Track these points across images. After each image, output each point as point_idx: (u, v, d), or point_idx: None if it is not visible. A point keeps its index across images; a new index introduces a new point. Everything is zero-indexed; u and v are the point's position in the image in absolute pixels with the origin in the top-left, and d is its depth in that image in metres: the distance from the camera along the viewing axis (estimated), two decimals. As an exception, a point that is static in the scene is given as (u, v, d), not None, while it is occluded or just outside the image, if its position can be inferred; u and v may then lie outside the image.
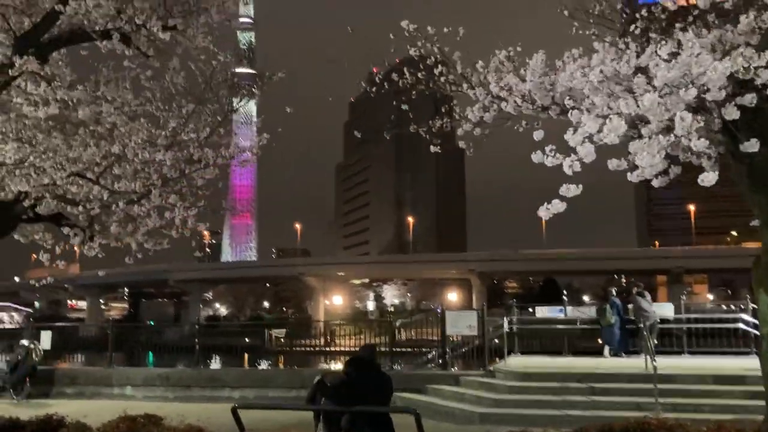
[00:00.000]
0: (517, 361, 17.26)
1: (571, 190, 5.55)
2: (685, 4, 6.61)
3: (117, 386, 18.46)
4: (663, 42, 5.24)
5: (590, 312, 19.62)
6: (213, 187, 12.20)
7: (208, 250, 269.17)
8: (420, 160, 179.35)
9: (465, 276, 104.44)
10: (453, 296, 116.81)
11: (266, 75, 13.37)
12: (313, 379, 9.35)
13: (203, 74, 12.40)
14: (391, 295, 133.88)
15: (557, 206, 5.59)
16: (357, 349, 11.17)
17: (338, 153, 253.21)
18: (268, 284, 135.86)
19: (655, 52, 5.25)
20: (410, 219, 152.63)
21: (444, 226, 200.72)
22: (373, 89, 10.71)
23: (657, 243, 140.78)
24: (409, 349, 22.51)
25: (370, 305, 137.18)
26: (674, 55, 5.16)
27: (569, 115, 5.72)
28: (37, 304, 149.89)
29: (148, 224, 9.44)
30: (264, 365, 28.24)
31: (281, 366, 28.00)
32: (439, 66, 8.95)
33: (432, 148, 9.67)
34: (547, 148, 5.65)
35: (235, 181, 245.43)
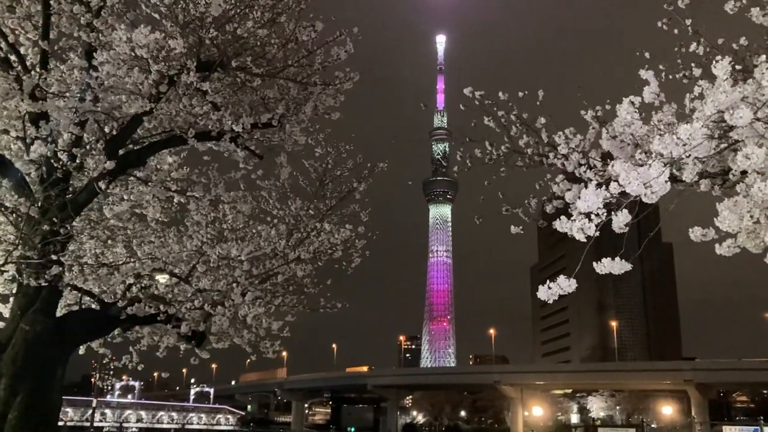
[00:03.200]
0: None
1: (606, 265, 4.07)
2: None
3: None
4: (719, 58, 3.74)
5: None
6: (322, 284, 11.77)
7: (407, 355, 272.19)
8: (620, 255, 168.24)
9: (681, 387, 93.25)
10: (668, 410, 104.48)
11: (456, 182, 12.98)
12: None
13: (315, 171, 12.31)
14: (598, 407, 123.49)
15: (564, 284, 4.11)
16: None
17: (533, 254, 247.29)
18: (465, 392, 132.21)
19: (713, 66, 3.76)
20: (614, 323, 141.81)
21: (653, 331, 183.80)
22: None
23: None
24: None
25: (574, 418, 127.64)
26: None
27: (610, 167, 4.31)
28: (249, 407, 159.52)
29: (217, 323, 9.07)
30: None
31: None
32: (525, 136, 7.75)
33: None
34: (576, 212, 4.26)
35: (432, 286, 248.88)
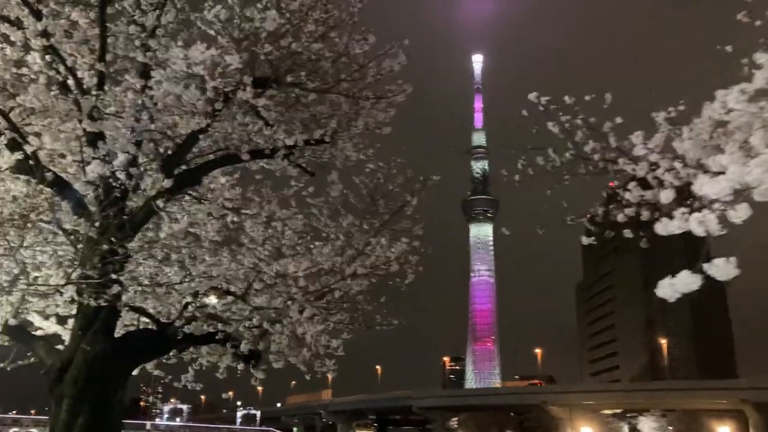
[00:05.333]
0: None
1: (715, 267, 3.74)
2: None
3: None
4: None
5: None
6: (376, 301, 11.55)
7: (452, 376, 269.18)
8: (670, 273, 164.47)
9: (737, 407, 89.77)
10: (725, 431, 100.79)
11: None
12: None
13: (366, 187, 12.14)
14: (649, 428, 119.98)
15: (688, 280, 3.78)
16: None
17: (578, 272, 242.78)
18: (512, 413, 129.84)
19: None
20: (663, 341, 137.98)
21: (705, 348, 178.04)
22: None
23: None
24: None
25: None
26: None
27: (710, 161, 4.01)
28: (295, 429, 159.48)
29: (276, 341, 8.91)
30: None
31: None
32: (590, 142, 7.46)
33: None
34: (679, 211, 3.96)
35: (474, 306, 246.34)
